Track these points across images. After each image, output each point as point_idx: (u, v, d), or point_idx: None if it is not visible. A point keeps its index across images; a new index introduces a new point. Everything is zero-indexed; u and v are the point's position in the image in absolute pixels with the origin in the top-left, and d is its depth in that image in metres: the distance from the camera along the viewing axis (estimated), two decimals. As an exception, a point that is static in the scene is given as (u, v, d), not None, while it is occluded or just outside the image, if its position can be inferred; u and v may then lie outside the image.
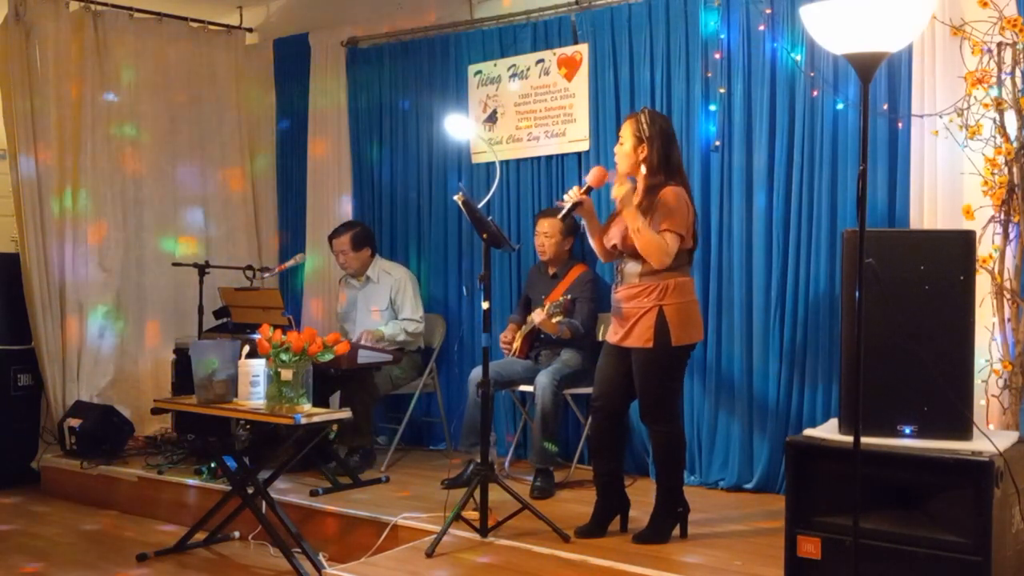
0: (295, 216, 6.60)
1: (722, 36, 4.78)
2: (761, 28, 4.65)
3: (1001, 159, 3.82)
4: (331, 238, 5.70)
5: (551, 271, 5.17)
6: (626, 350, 3.94)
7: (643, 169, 3.93)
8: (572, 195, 3.95)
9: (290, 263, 6.07)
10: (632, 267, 3.92)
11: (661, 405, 3.93)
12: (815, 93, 4.52)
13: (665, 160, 3.89)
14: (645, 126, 3.89)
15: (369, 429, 5.38)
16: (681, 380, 4.05)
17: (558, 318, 4.65)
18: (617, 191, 3.83)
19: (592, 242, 4.11)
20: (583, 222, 4.11)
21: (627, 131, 3.96)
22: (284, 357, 4.03)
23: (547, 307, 4.63)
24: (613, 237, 3.97)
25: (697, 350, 4.22)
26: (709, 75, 4.82)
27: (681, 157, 4.05)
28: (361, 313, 5.70)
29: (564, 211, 3.97)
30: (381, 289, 5.67)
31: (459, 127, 5.46)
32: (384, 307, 5.64)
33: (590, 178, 4.02)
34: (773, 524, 3.95)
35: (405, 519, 4.26)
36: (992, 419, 3.81)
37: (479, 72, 5.70)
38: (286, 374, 4.04)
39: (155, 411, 4.87)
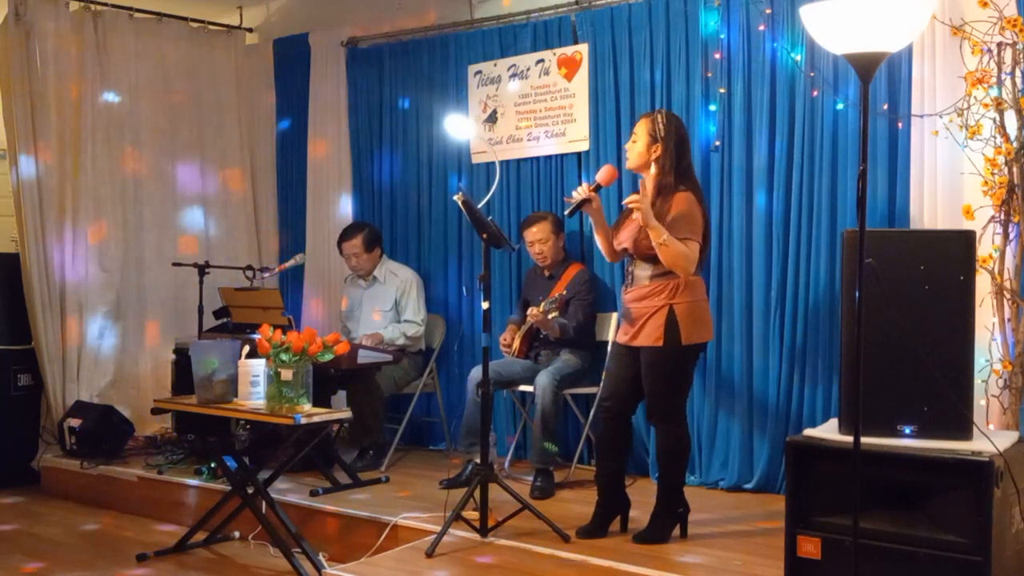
0: (295, 216, 6.59)
1: (722, 36, 4.78)
2: (761, 28, 4.65)
3: (1001, 159, 3.82)
4: (341, 241, 5.69)
5: (547, 273, 5.17)
6: (636, 350, 3.94)
7: (653, 169, 3.92)
8: (581, 191, 3.94)
9: (290, 263, 6.07)
10: (643, 269, 3.92)
11: (669, 405, 3.93)
12: (815, 93, 4.52)
13: (677, 162, 3.89)
14: (661, 126, 3.89)
15: (379, 426, 5.38)
16: (690, 380, 4.04)
17: (553, 314, 4.66)
18: (634, 201, 3.74)
19: (598, 240, 4.11)
20: (590, 220, 4.10)
21: (642, 129, 3.95)
22: (284, 357, 4.03)
23: (543, 304, 4.64)
24: (624, 240, 3.97)
25: (697, 350, 4.22)
26: (709, 75, 4.82)
27: (692, 160, 4.04)
28: (366, 313, 5.70)
29: (571, 207, 3.97)
30: (387, 290, 5.67)
31: (459, 127, 5.46)
32: (388, 308, 5.64)
33: (600, 176, 4.01)
34: (773, 524, 3.95)
35: (405, 519, 4.26)
36: (992, 419, 3.81)
37: (479, 72, 5.70)
38: (286, 374, 4.03)
39: (155, 411, 4.87)
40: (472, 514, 4.06)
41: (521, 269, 5.54)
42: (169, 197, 6.35)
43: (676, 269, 3.81)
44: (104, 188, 6.01)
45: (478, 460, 4.16)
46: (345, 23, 6.25)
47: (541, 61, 5.44)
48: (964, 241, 3.27)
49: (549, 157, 5.46)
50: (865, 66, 2.81)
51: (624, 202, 3.88)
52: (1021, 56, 3.83)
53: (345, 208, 6.25)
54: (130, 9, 6.14)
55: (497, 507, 4.11)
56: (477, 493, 4.05)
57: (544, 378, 4.77)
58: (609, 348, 4.81)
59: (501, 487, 4.09)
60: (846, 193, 4.47)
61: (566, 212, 4.07)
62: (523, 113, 5.53)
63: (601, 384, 4.34)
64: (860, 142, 2.85)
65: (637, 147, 3.96)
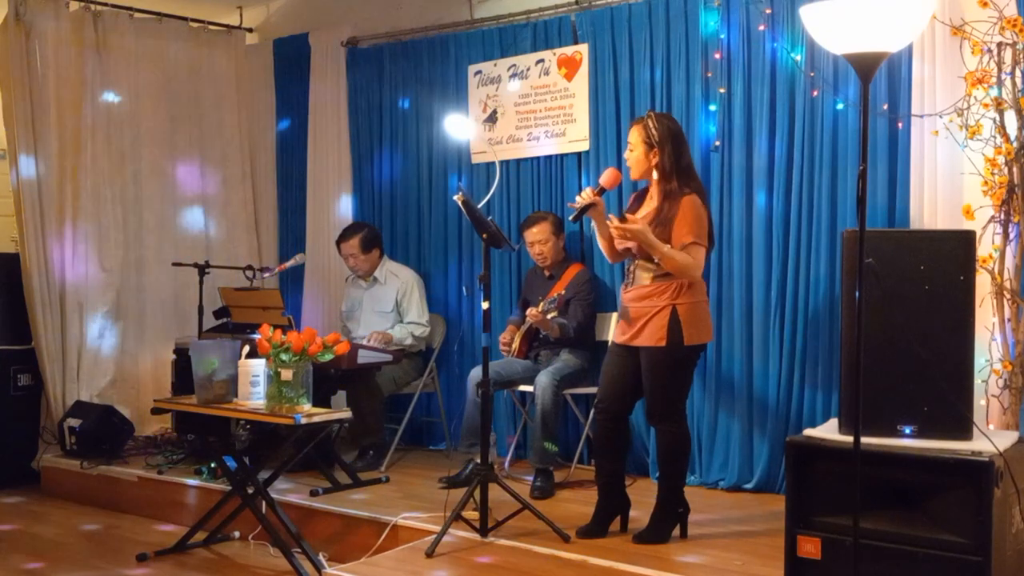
0: (295, 216, 6.60)
1: (722, 36, 4.78)
2: (761, 28, 4.65)
3: (1001, 159, 3.82)
4: (339, 242, 5.69)
5: (547, 273, 5.17)
6: (634, 350, 3.93)
7: (655, 174, 3.91)
8: (586, 196, 3.93)
9: (290, 263, 6.07)
10: (645, 271, 3.91)
11: (670, 405, 3.93)
12: (815, 93, 4.52)
13: (677, 163, 3.87)
14: (654, 130, 3.86)
15: (379, 426, 5.38)
16: (690, 381, 4.04)
17: (552, 314, 4.66)
18: (630, 231, 3.76)
19: (600, 243, 4.11)
20: (592, 223, 4.09)
21: (636, 137, 3.92)
22: (284, 357, 4.03)
23: (542, 304, 4.63)
24: (628, 242, 3.96)
25: (697, 350, 4.22)
26: (709, 75, 4.82)
27: (691, 156, 4.04)
28: (366, 313, 5.70)
29: (576, 212, 3.96)
30: (387, 291, 5.67)
31: (459, 127, 5.46)
32: (389, 309, 5.64)
33: (603, 179, 4.00)
34: (773, 524, 3.95)
35: (405, 519, 4.26)
36: (992, 419, 3.81)
37: (479, 72, 5.70)
38: (286, 374, 4.04)
39: (155, 411, 4.87)
40: (472, 514, 4.06)
41: (521, 269, 5.54)
42: (169, 197, 6.35)
43: (684, 277, 3.82)
44: (104, 188, 6.01)
45: (478, 460, 4.16)
46: (345, 23, 6.25)
47: (541, 61, 5.44)
48: (964, 241, 3.27)
49: (549, 157, 5.46)
50: (865, 66, 2.81)
51: (618, 231, 3.82)
52: (1021, 56, 3.83)
53: (345, 208, 6.25)
54: (130, 9, 6.14)
55: (497, 507, 4.11)
56: (477, 493, 4.05)
57: (544, 378, 4.77)
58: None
59: (501, 487, 4.09)
60: (846, 193, 4.47)
61: (571, 217, 4.06)
62: (523, 113, 5.53)
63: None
64: (860, 142, 2.85)
65: (635, 155, 3.93)
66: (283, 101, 6.64)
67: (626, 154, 4.01)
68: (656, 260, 3.83)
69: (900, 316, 3.16)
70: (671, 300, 3.84)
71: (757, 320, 4.73)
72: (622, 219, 3.96)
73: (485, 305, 4.08)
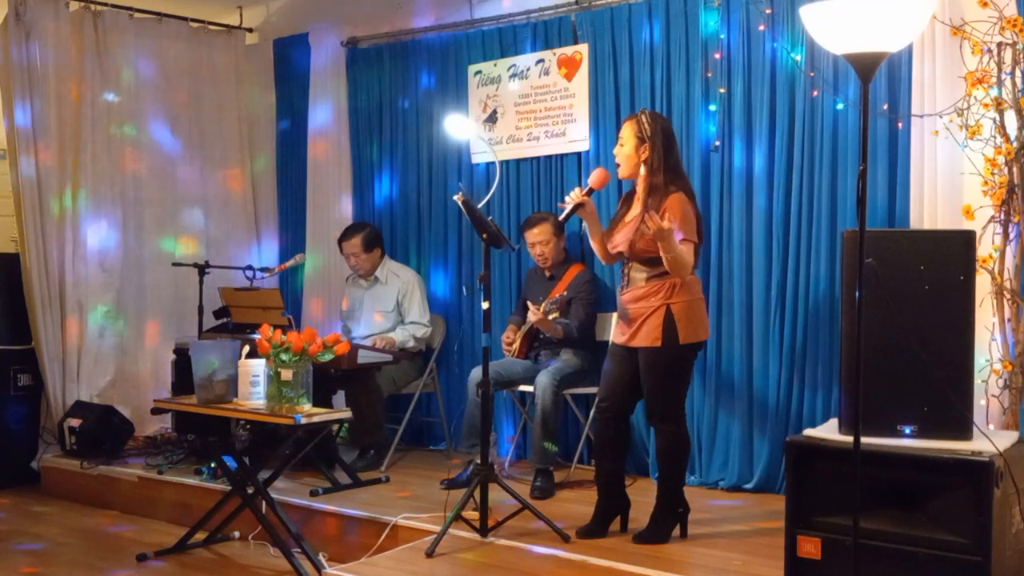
0: (295, 216, 6.59)
1: (722, 36, 4.78)
2: (761, 28, 4.65)
3: (1001, 159, 3.82)
4: (341, 241, 5.69)
5: (548, 273, 5.17)
6: (633, 350, 3.94)
7: (642, 169, 3.92)
8: (574, 196, 3.94)
9: (290, 263, 6.07)
10: (639, 271, 3.92)
11: (668, 404, 3.93)
12: (815, 93, 4.52)
13: (665, 159, 3.88)
14: (646, 126, 3.88)
15: (379, 425, 5.37)
16: (689, 379, 4.04)
17: (554, 315, 4.66)
18: (666, 232, 3.66)
19: (593, 244, 4.11)
20: (584, 224, 4.09)
21: (628, 132, 3.94)
22: (284, 357, 4.03)
23: (543, 304, 4.63)
24: (619, 244, 3.96)
25: (697, 350, 4.22)
26: (709, 75, 4.82)
27: (680, 156, 4.05)
28: (367, 313, 5.70)
29: (565, 213, 3.96)
30: (388, 291, 5.66)
31: (459, 127, 5.45)
32: (390, 309, 5.64)
33: (592, 179, 4.01)
34: (773, 524, 3.95)
35: (405, 519, 4.26)
36: (992, 419, 3.81)
37: (479, 72, 5.70)
38: (286, 374, 4.04)
39: (155, 411, 4.86)
40: (472, 514, 4.06)
41: (521, 269, 5.54)
42: (169, 197, 6.35)
43: (678, 276, 3.83)
44: (104, 188, 6.02)
45: (478, 460, 4.16)
46: (345, 23, 6.25)
47: (541, 61, 5.44)
48: (964, 241, 3.27)
49: (549, 157, 5.46)
50: (865, 66, 2.81)
51: (650, 229, 3.68)
52: (1021, 56, 3.83)
53: (345, 208, 6.25)
54: (130, 9, 6.15)
55: (497, 507, 4.11)
56: (477, 493, 4.05)
57: (544, 378, 4.77)
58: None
59: (501, 487, 4.09)
60: (846, 193, 4.47)
61: (560, 218, 4.07)
62: (523, 113, 5.53)
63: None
64: (860, 142, 2.85)
65: (625, 150, 3.95)
66: (283, 101, 6.64)
67: (616, 149, 4.00)
68: (652, 255, 3.82)
69: (900, 316, 3.16)
70: (665, 300, 3.85)
71: (757, 320, 4.73)
72: (619, 214, 4.00)
73: (485, 305, 4.08)
